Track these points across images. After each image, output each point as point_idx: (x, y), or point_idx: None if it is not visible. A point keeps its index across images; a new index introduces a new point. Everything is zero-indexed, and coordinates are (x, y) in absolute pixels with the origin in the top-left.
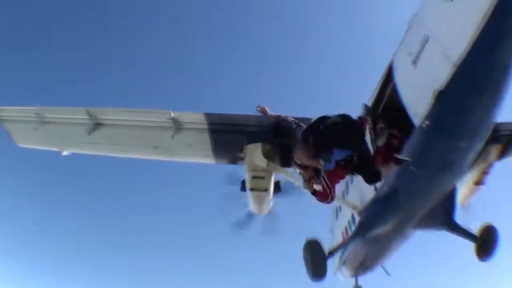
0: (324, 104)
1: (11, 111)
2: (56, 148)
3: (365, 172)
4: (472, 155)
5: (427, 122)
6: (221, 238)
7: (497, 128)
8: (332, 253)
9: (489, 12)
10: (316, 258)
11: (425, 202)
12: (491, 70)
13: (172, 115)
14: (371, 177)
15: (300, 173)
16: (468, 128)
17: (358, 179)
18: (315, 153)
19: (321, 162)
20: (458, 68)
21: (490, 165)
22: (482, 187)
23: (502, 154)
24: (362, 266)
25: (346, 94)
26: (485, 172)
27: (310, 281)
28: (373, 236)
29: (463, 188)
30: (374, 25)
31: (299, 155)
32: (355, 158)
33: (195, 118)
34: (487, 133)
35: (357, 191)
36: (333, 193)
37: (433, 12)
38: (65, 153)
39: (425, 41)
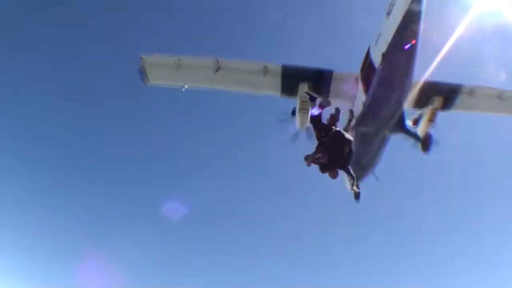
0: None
1: (154, 58)
2: (183, 84)
3: None
4: (407, 84)
5: (380, 67)
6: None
7: (438, 85)
8: None
9: (398, 23)
10: None
11: (386, 110)
12: (403, 43)
13: (264, 65)
14: None
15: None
16: (399, 69)
17: (359, 101)
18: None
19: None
20: (389, 44)
21: (437, 109)
22: (434, 123)
23: (444, 105)
24: (360, 167)
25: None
26: (434, 113)
27: None
28: (363, 131)
29: (421, 124)
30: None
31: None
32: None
33: (275, 67)
34: (411, 72)
35: (356, 108)
36: None
37: (382, 22)
38: (186, 87)
39: (379, 34)
